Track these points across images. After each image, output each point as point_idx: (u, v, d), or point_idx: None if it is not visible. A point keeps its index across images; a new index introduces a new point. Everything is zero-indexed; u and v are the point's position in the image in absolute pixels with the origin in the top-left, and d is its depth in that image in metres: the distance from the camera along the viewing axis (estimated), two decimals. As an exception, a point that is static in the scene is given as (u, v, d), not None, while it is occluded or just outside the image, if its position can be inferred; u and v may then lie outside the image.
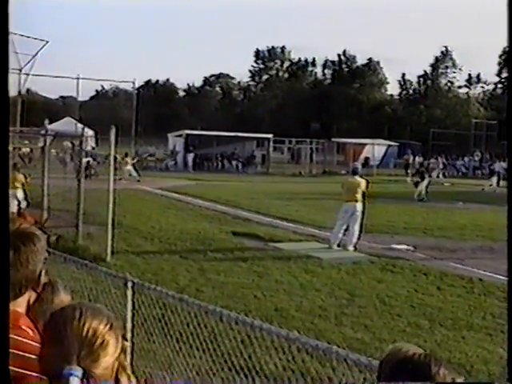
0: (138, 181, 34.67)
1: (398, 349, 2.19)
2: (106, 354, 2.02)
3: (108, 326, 2.06)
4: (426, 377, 2.04)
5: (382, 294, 11.73)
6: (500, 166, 47.92)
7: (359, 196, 16.69)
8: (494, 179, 41.72)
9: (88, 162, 29.59)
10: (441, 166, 54.86)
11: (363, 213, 16.80)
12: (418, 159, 59.35)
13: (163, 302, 6.21)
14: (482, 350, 8.64)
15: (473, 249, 17.23)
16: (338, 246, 16.62)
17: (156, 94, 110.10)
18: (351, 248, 16.42)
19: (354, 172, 17.63)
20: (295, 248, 16.20)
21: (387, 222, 21.37)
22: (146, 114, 74.02)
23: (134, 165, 37.68)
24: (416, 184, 31.24)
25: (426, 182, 30.55)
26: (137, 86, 60.25)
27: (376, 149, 61.76)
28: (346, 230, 16.79)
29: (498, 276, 13.57)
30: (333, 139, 63.15)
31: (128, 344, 5.82)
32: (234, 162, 53.29)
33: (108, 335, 2.04)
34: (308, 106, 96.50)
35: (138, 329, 6.36)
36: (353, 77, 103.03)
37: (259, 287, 11.89)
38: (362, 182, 16.94)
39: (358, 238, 16.72)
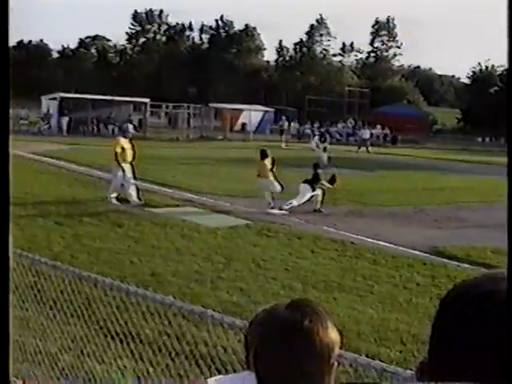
0: None
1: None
2: None
3: None
4: (290, 327, 1.98)
5: (258, 257, 11.92)
6: (367, 133, 49.79)
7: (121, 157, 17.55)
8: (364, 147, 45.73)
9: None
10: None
11: (123, 171, 17.41)
12: (294, 125, 60.40)
13: (36, 269, 6.08)
14: (352, 311, 8.94)
15: (345, 213, 17.73)
16: (118, 199, 17.35)
17: (28, 56, 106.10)
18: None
19: (124, 133, 18.54)
20: (172, 213, 16.21)
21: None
22: (18, 75, 71.36)
23: None
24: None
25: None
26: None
27: (253, 115, 62.27)
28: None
29: (369, 239, 14.09)
30: (210, 104, 63.09)
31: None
32: (110, 127, 52.31)
33: None
34: (185, 70, 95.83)
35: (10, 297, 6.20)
36: (230, 42, 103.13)
37: (135, 253, 11.84)
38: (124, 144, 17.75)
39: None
